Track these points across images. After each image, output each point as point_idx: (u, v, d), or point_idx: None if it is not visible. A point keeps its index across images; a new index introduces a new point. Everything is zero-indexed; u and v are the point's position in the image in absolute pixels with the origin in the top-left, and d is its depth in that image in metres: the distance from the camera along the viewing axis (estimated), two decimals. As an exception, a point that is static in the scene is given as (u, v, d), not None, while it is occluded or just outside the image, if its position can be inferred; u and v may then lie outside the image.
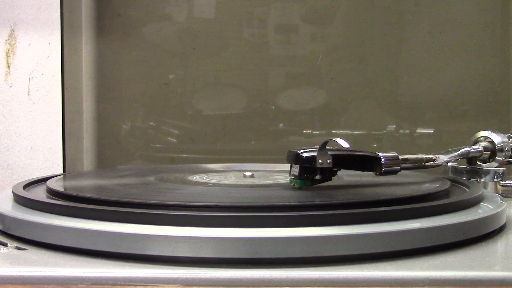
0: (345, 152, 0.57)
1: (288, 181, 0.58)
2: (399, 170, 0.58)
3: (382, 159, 0.56)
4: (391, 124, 0.96)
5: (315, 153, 0.55)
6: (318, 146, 0.55)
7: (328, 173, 0.57)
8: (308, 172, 0.56)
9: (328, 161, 0.55)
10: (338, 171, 0.58)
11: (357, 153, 0.58)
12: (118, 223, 0.44)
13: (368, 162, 0.57)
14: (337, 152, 0.56)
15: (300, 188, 0.56)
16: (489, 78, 0.97)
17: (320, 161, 0.55)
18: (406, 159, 0.59)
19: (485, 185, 0.69)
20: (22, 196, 0.53)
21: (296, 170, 0.56)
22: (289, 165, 0.57)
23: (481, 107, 0.97)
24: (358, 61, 0.98)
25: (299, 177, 0.56)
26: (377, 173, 0.57)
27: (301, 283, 0.40)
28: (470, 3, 0.96)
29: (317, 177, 0.56)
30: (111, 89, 0.97)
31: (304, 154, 0.55)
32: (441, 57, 0.97)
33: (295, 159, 0.55)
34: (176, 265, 0.41)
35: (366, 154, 0.58)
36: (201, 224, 0.43)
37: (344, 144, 0.55)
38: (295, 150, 0.56)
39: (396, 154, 0.58)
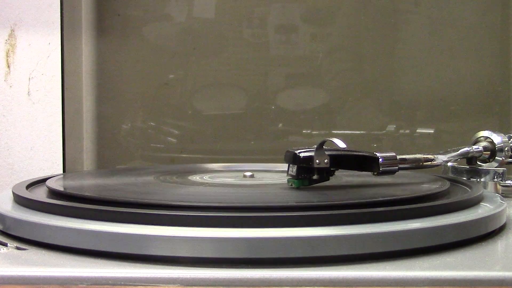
0: (342, 152, 0.57)
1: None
2: (397, 170, 0.58)
3: (380, 159, 0.56)
4: (391, 124, 0.96)
5: (312, 153, 0.55)
6: (315, 146, 0.55)
7: (326, 173, 0.57)
8: (306, 172, 0.56)
9: (325, 161, 0.55)
10: (336, 171, 0.58)
11: (355, 153, 0.58)
12: (118, 223, 0.44)
13: (365, 162, 0.57)
14: (334, 152, 0.56)
15: (297, 188, 0.56)
16: (489, 78, 0.97)
17: (317, 161, 0.55)
18: (404, 159, 0.59)
19: (485, 185, 0.69)
20: (22, 196, 0.53)
21: (293, 170, 0.56)
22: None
23: (481, 107, 0.97)
24: (358, 61, 0.98)
25: (297, 177, 0.56)
26: (375, 173, 0.57)
27: (301, 283, 0.40)
28: (470, 3, 0.96)
29: (315, 177, 0.56)
30: (111, 89, 0.97)
31: (302, 154, 0.55)
32: (441, 57, 0.97)
33: (293, 159, 0.56)
34: (176, 265, 0.41)
35: (364, 154, 0.58)
36: (201, 224, 0.43)
37: (341, 144, 0.55)
38: (292, 150, 0.56)
39: (394, 154, 0.58)
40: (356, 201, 0.50)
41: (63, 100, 0.87)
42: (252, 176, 0.66)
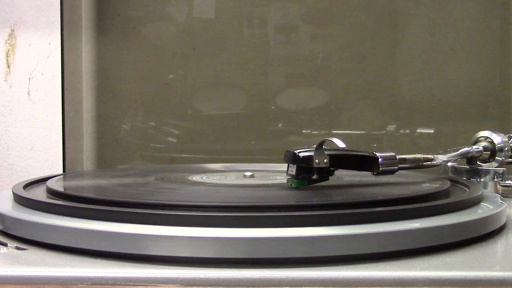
0: (342, 152, 0.57)
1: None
2: (397, 170, 0.58)
3: (379, 159, 0.56)
4: (391, 124, 0.96)
5: (312, 153, 0.55)
6: (315, 146, 0.55)
7: (325, 173, 0.57)
8: (305, 172, 0.56)
9: (325, 161, 0.55)
10: (336, 171, 0.58)
11: (354, 153, 0.58)
12: (118, 223, 0.44)
13: (365, 162, 0.57)
14: (334, 152, 0.56)
15: (297, 188, 0.56)
16: (489, 78, 0.97)
17: (316, 161, 0.55)
18: (404, 159, 0.59)
19: (485, 185, 0.69)
20: (22, 196, 0.53)
21: (293, 170, 0.56)
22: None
23: (481, 107, 0.97)
24: (358, 61, 0.98)
25: (296, 176, 0.56)
26: (375, 173, 0.57)
27: (301, 283, 0.40)
28: (469, 4, 0.96)
29: (314, 176, 0.56)
30: (111, 89, 0.97)
31: (301, 154, 0.55)
32: (441, 58, 0.97)
33: (292, 159, 0.56)
34: (176, 265, 0.41)
35: (363, 154, 0.58)
36: (201, 224, 0.43)
37: (340, 144, 0.55)
38: (292, 150, 0.56)
39: (394, 154, 0.58)
40: (356, 201, 0.50)
41: (63, 100, 0.87)
42: (252, 176, 0.66)
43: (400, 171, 0.59)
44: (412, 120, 0.97)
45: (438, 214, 0.48)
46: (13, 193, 0.55)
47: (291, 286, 0.40)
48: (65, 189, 0.58)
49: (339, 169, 0.58)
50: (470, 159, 0.71)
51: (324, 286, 0.40)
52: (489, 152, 0.71)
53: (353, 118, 0.97)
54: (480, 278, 0.40)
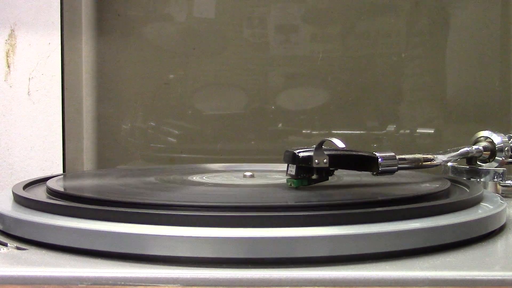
0: (341, 152, 0.57)
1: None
2: (397, 170, 0.58)
3: (379, 159, 0.56)
4: (391, 124, 0.96)
5: (311, 153, 0.55)
6: (314, 146, 0.55)
7: (325, 173, 0.57)
8: (305, 172, 0.56)
9: (324, 161, 0.55)
10: (336, 171, 0.58)
11: (354, 153, 0.58)
12: (118, 223, 0.44)
13: (365, 162, 0.57)
14: (333, 152, 0.56)
15: (296, 188, 0.56)
16: (489, 78, 0.97)
17: (316, 161, 0.55)
18: (404, 159, 0.59)
19: (485, 185, 0.69)
20: (22, 196, 0.53)
21: (293, 170, 0.56)
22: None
23: (481, 107, 0.97)
24: (358, 61, 0.98)
25: (296, 176, 0.56)
26: (374, 173, 0.57)
27: (301, 283, 0.40)
28: (470, 5, 0.96)
29: (314, 176, 0.56)
30: (111, 89, 0.97)
31: (301, 154, 0.55)
32: (442, 58, 0.97)
33: (292, 159, 0.56)
34: (176, 265, 0.41)
35: (363, 154, 0.58)
36: (201, 224, 0.43)
37: (340, 144, 0.55)
38: (291, 150, 0.56)
39: (393, 154, 0.58)
40: (356, 201, 0.50)
41: (63, 100, 0.87)
42: (252, 176, 0.66)
43: (400, 171, 0.59)
44: (412, 119, 0.96)
45: (438, 214, 0.48)
46: (13, 193, 0.55)
47: (291, 286, 0.40)
48: (65, 189, 0.58)
49: (339, 169, 0.58)
50: (470, 159, 0.71)
51: (324, 286, 0.40)
52: (489, 152, 0.71)
53: (353, 118, 0.97)
54: (480, 278, 0.40)
